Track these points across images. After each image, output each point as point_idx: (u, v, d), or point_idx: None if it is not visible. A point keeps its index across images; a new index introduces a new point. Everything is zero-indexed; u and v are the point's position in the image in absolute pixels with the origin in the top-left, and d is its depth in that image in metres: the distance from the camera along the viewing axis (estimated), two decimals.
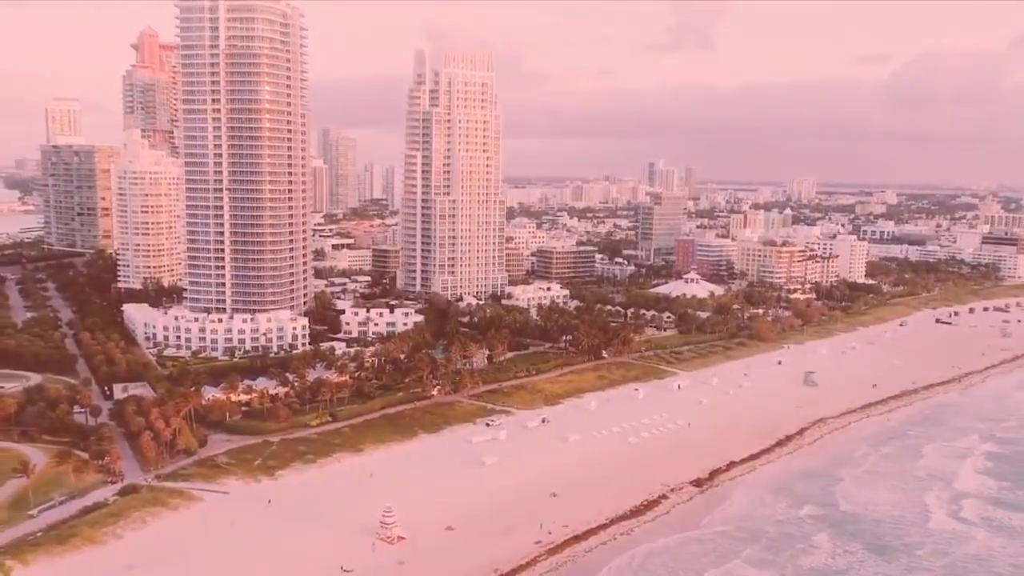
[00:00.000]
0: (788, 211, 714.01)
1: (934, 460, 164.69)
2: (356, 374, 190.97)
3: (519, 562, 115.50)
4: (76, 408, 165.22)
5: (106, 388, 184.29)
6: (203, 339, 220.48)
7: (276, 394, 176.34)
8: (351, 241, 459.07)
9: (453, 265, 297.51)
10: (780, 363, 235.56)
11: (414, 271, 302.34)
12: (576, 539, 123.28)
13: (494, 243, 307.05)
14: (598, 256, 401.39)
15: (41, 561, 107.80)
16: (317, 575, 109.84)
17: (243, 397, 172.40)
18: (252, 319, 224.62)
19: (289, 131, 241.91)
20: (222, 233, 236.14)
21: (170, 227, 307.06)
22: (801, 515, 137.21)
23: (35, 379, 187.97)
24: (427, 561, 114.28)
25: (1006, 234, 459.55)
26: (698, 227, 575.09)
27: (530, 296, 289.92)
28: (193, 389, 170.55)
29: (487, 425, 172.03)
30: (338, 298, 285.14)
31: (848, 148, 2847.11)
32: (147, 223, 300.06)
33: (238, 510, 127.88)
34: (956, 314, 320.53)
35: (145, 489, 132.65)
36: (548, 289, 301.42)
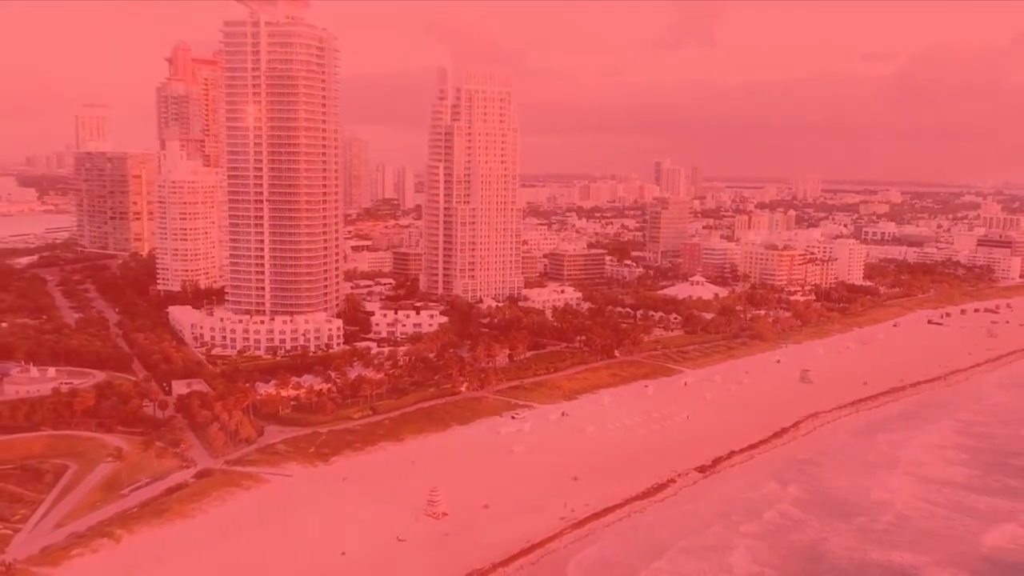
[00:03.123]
0: (792, 212, 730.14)
1: (909, 450, 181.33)
2: (391, 372, 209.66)
3: (547, 535, 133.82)
4: (144, 402, 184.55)
5: (165, 384, 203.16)
6: (247, 339, 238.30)
7: (321, 390, 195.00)
8: (369, 243, 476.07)
9: (473, 269, 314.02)
10: (779, 362, 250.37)
11: (436, 274, 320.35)
12: (596, 516, 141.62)
13: (511, 248, 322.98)
14: (607, 258, 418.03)
15: (144, 531, 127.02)
16: (376, 543, 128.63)
17: (292, 392, 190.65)
18: (291, 320, 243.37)
19: (323, 145, 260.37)
20: (262, 241, 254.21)
21: (206, 233, 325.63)
22: (785, 493, 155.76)
23: (99, 376, 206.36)
24: (468, 533, 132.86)
25: (1000, 237, 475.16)
26: (704, 227, 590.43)
27: (545, 298, 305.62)
28: (247, 385, 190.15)
29: (512, 418, 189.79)
30: (365, 300, 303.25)
31: (853, 145, 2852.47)
32: (185, 229, 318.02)
33: (302, 490, 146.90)
34: (948, 315, 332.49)
35: (219, 472, 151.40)
36: (562, 291, 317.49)
